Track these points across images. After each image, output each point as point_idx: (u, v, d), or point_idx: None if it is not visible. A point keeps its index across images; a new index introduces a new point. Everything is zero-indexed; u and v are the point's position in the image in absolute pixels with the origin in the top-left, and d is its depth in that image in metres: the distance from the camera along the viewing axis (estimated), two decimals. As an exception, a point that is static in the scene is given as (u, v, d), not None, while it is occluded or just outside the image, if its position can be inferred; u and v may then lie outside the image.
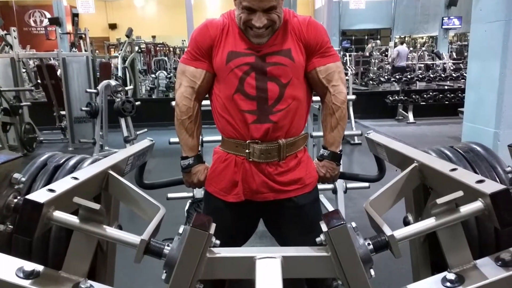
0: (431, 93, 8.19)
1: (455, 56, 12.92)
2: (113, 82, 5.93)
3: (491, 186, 0.92)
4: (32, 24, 17.93)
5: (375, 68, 11.59)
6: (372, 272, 0.96)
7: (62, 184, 1.02)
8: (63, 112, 6.52)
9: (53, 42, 13.37)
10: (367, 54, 12.35)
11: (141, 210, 1.15)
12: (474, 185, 0.96)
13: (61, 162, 1.31)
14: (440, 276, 1.00)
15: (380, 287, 2.27)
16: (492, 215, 0.92)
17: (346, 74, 7.55)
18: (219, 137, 1.63)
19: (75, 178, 1.07)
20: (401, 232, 0.97)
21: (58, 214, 0.94)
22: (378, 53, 12.18)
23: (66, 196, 0.99)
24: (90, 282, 0.98)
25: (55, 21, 6.63)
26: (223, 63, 1.48)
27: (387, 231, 0.96)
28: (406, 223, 1.39)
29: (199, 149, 1.65)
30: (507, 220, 0.90)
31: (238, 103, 1.47)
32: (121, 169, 1.36)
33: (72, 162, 1.32)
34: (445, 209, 0.97)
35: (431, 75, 9.11)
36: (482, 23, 3.21)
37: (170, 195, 2.81)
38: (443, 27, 14.66)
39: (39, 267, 0.97)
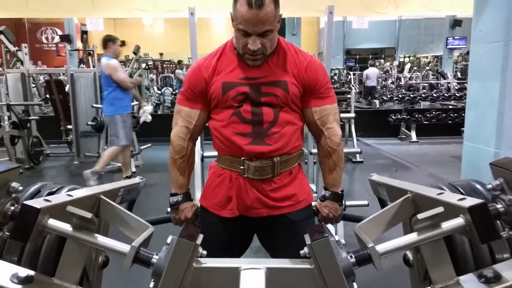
0: (434, 113, 8.22)
1: (459, 76, 12.95)
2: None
3: (470, 201, 0.95)
4: (44, 40, 18.33)
5: (379, 87, 11.65)
6: (355, 285, 0.98)
7: (58, 197, 1.06)
8: (69, 126, 6.63)
9: (63, 58, 13.62)
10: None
11: (131, 230, 1.18)
12: (455, 202, 0.98)
13: (54, 190, 1.35)
14: (423, 291, 1.02)
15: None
16: (473, 230, 0.94)
17: (349, 93, 7.63)
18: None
19: (70, 195, 1.12)
20: (384, 246, 0.99)
21: (52, 222, 0.98)
22: (382, 72, 12.24)
23: (60, 207, 1.03)
24: (80, 289, 1.01)
25: (66, 38, 6.79)
26: (219, 95, 1.52)
27: (369, 243, 0.98)
28: (406, 261, 1.40)
29: (188, 186, 1.68)
30: (487, 235, 0.92)
31: (234, 126, 1.51)
32: (112, 197, 1.40)
33: (64, 190, 1.36)
34: (427, 225, 0.99)
35: (434, 95, 9.13)
36: (481, 44, 3.25)
37: (170, 210, 2.83)
38: (448, 47, 14.74)
39: (33, 273, 1.00)
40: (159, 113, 10.40)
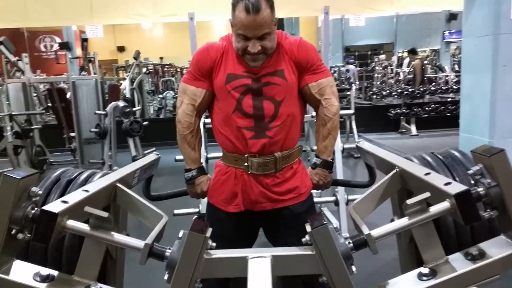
0: (432, 106, 8.28)
1: (457, 69, 13.00)
2: (121, 104, 6.13)
3: (455, 188, 1.03)
4: (43, 49, 18.39)
5: (378, 83, 11.71)
6: (354, 268, 1.06)
7: (74, 196, 1.15)
8: (72, 134, 6.69)
9: (63, 66, 13.64)
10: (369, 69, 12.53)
11: (146, 219, 1.27)
12: (442, 187, 1.06)
13: (73, 176, 1.44)
14: (416, 271, 1.11)
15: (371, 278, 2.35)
16: (458, 213, 1.02)
17: (349, 90, 7.70)
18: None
19: (86, 191, 1.20)
20: (378, 231, 1.08)
21: (71, 223, 1.07)
22: (381, 68, 12.29)
23: (78, 206, 1.11)
24: (100, 285, 1.09)
25: (65, 46, 6.83)
26: (222, 84, 1.60)
27: (365, 230, 1.07)
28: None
29: (202, 162, 1.76)
30: (470, 217, 1.01)
31: (236, 120, 1.59)
32: (128, 182, 1.49)
33: (83, 176, 1.45)
34: (417, 209, 1.07)
35: (433, 88, 9.19)
36: (472, 38, 3.33)
37: (176, 211, 2.87)
38: (445, 40, 14.81)
39: (54, 272, 1.09)
40: (161, 117, 10.49)
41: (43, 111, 8.09)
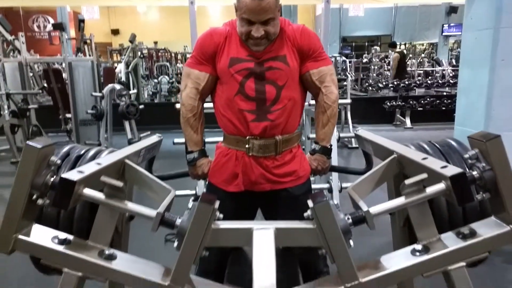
0: (428, 99, 8.38)
1: (454, 63, 13.11)
2: (118, 86, 6.15)
3: (451, 170, 1.10)
4: (36, 29, 18.17)
5: (374, 75, 11.77)
6: (351, 242, 1.13)
7: (89, 168, 1.20)
8: (68, 115, 6.70)
9: (56, 47, 13.52)
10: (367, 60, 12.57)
11: (154, 193, 1.32)
12: (438, 170, 1.13)
13: (82, 152, 1.48)
14: (410, 247, 1.18)
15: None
16: (452, 194, 1.09)
17: (345, 80, 7.77)
18: (220, 138, 1.80)
19: (99, 164, 1.25)
20: (376, 209, 1.15)
21: (87, 191, 1.12)
22: (378, 60, 12.36)
23: (92, 177, 1.16)
24: (112, 250, 1.16)
25: (59, 26, 6.76)
26: (225, 67, 1.65)
27: (364, 207, 1.14)
28: None
29: (202, 144, 1.82)
30: (464, 198, 1.08)
31: (239, 103, 1.65)
32: (135, 159, 1.54)
33: (91, 152, 1.49)
34: (414, 190, 1.14)
35: (429, 82, 9.28)
36: (472, 31, 3.37)
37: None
38: (443, 34, 14.85)
39: (70, 237, 1.15)
40: (156, 101, 10.49)
41: (40, 91, 8.07)
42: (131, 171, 1.39)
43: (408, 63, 12.02)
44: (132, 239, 1.62)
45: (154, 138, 1.81)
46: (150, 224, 1.14)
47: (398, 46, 15.69)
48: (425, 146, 1.53)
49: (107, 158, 1.35)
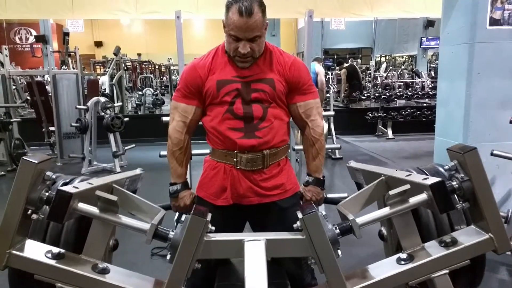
0: (409, 110, 8.55)
1: (433, 75, 13.40)
2: (102, 99, 6.13)
3: (431, 180, 1.16)
4: (18, 41, 17.95)
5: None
6: (340, 252, 1.18)
7: (83, 184, 1.22)
8: (52, 128, 6.63)
9: (38, 60, 13.40)
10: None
11: (144, 213, 1.35)
12: (420, 181, 1.19)
13: (68, 181, 1.47)
14: (395, 256, 1.23)
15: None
16: (434, 203, 1.15)
17: (328, 92, 7.89)
18: (206, 151, 1.82)
19: (90, 183, 1.28)
20: (362, 219, 1.20)
21: (82, 205, 1.14)
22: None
23: (86, 193, 1.19)
24: (106, 264, 1.17)
25: (41, 39, 6.75)
26: (214, 91, 1.68)
27: (350, 217, 1.18)
28: (381, 236, 1.61)
29: (186, 177, 1.83)
30: (445, 206, 1.13)
31: (227, 122, 1.68)
32: (121, 185, 1.56)
33: (77, 180, 1.48)
34: (397, 200, 1.19)
35: (409, 93, 9.47)
36: (449, 46, 3.50)
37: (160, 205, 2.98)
38: (422, 46, 15.20)
39: (63, 251, 1.16)
40: (140, 113, 10.45)
41: (23, 104, 7.96)
42: (119, 193, 1.40)
43: (388, 75, 12.27)
44: (118, 253, 1.62)
45: (137, 171, 1.83)
46: (137, 238, 1.15)
47: (373, 58, 16.06)
48: (413, 172, 1.58)
49: (97, 180, 1.38)
